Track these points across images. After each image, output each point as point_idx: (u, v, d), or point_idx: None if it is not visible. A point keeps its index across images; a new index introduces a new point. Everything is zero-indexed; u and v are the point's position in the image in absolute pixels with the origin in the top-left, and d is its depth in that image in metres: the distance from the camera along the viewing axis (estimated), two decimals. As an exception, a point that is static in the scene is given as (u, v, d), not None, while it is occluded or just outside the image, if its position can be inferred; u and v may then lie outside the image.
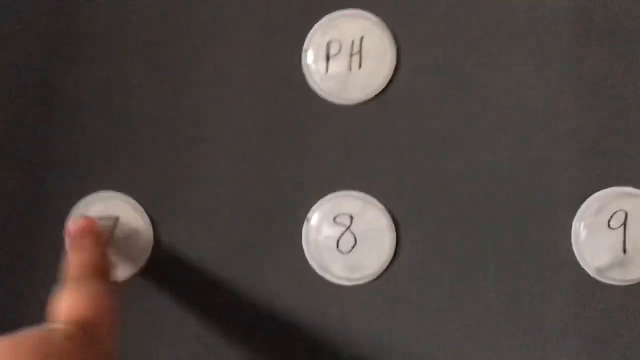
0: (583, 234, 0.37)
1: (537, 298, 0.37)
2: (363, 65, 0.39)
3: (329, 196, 0.39)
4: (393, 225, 0.38)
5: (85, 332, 0.31)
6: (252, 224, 0.39)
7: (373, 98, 0.39)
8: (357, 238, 0.38)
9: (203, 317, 0.39)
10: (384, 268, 0.38)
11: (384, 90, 0.39)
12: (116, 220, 0.40)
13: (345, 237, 0.38)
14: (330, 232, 0.38)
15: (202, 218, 0.39)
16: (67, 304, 0.33)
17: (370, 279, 0.38)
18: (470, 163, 0.38)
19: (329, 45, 0.39)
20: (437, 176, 0.38)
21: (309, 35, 0.39)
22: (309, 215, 0.39)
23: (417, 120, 0.39)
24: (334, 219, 0.39)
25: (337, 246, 0.38)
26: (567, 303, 0.37)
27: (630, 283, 0.37)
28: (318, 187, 0.39)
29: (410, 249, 0.38)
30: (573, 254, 0.37)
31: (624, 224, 0.37)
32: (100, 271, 0.35)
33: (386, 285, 0.38)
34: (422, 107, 0.39)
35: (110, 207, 0.40)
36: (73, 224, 0.37)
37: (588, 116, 0.37)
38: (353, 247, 0.38)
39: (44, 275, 0.37)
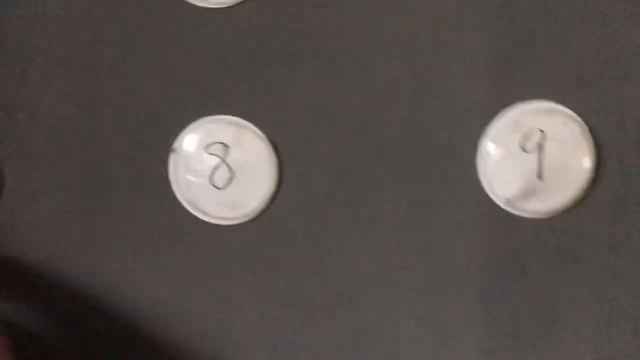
0: (492, 158, 0.31)
1: (438, 232, 0.32)
2: (234, -43, 0.32)
3: (198, 121, 0.33)
4: (274, 155, 0.33)
5: None
6: (111, 160, 0.33)
7: None
8: (233, 171, 0.33)
9: (59, 268, 0.34)
10: (266, 204, 0.33)
11: (257, -10, 0.32)
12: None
13: (220, 170, 0.33)
14: (202, 164, 0.33)
15: (50, 154, 0.33)
16: None
17: (250, 217, 0.33)
18: (363, 79, 0.32)
19: None
20: (325, 95, 0.32)
21: None
22: (175, 145, 0.33)
23: (302, 27, 0.32)
24: (206, 148, 0.33)
25: (211, 181, 0.33)
26: (472, 237, 0.32)
27: (545, 215, 0.32)
28: (184, 111, 0.33)
29: (294, 182, 0.33)
30: (479, 182, 0.32)
31: (540, 146, 0.31)
32: None
33: (268, 224, 0.33)
34: (307, 10, 0.32)
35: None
36: None
37: (499, 21, 0.31)
38: (229, 182, 0.33)
39: None
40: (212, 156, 0.33)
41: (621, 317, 0.32)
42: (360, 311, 0.33)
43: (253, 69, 0.32)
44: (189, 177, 0.33)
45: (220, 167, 0.33)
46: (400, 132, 0.32)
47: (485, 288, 0.32)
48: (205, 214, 0.33)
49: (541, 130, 0.31)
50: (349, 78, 0.32)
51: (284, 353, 0.34)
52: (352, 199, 0.32)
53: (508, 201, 0.31)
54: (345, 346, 0.33)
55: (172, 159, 0.33)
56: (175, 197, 0.33)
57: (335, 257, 0.33)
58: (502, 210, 0.32)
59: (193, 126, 0.32)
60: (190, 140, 0.33)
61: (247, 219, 0.33)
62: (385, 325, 0.33)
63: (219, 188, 0.33)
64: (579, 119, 0.31)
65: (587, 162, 0.31)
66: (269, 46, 0.32)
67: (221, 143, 0.32)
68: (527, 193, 0.31)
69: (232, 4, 0.32)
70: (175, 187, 0.33)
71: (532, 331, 0.33)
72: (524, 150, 0.31)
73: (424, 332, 0.33)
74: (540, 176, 0.31)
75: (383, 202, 0.32)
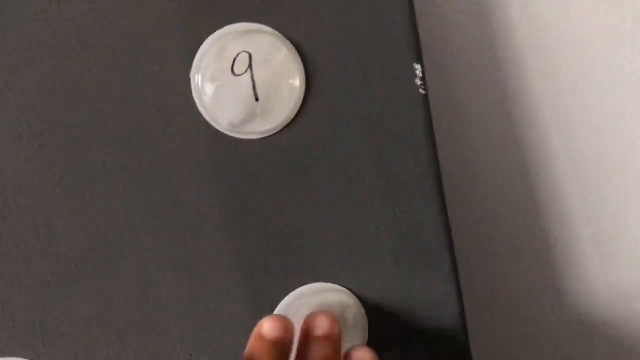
0: (206, 87, 0.31)
1: (171, 175, 0.32)
2: None
3: None
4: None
5: None
6: None
7: None
8: None
9: None
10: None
11: None
12: None
13: None
14: None
15: None
16: None
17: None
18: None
19: None
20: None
21: None
22: None
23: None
24: None
25: None
26: (206, 170, 0.32)
27: (268, 133, 0.33)
28: None
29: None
30: (198, 111, 0.32)
31: (250, 67, 0.32)
32: None
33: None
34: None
35: None
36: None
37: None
38: None
39: None
40: None
41: (363, 216, 0.34)
42: (113, 267, 0.31)
43: None
44: None
45: None
46: (119, 77, 0.31)
47: (229, 215, 0.32)
48: None
49: (248, 52, 0.32)
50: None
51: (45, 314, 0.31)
52: (78, 162, 0.31)
53: (232, 126, 0.32)
54: (103, 300, 0.32)
55: None
56: None
57: (81, 218, 0.31)
58: (228, 136, 0.32)
59: None
60: None
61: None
62: (140, 278, 0.32)
63: None
64: (284, 38, 0.32)
65: (297, 80, 0.32)
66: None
67: None
68: (248, 115, 0.32)
69: None
70: None
71: (285, 246, 0.33)
72: (235, 74, 0.31)
73: (178, 277, 0.32)
74: (256, 97, 0.32)
75: (110, 160, 0.31)
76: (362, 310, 0.35)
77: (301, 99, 0.33)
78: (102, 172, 0.31)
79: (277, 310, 0.33)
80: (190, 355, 0.32)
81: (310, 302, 0.34)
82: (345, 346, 0.34)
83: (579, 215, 0.45)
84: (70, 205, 0.31)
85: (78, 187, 0.31)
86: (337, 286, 0.34)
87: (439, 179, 0.35)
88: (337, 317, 0.32)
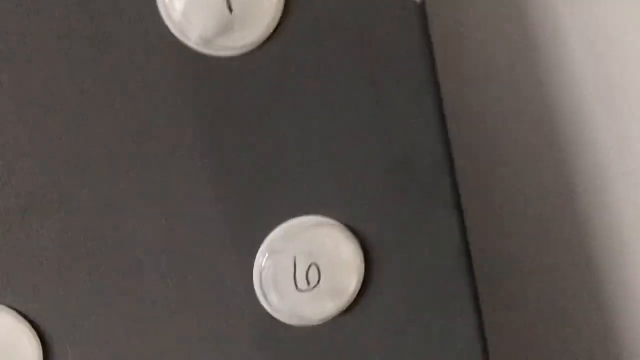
0: (174, 1, 0.28)
1: (137, 94, 0.28)
2: None
3: None
4: None
5: None
6: None
7: None
8: None
9: None
10: None
11: None
12: None
13: None
14: None
15: None
16: None
17: None
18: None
19: None
20: None
21: None
22: None
23: None
24: None
25: None
26: (174, 92, 0.28)
27: (246, 49, 0.29)
28: None
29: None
30: (166, 27, 0.28)
31: (222, -25, 0.28)
32: None
33: None
34: None
35: None
36: None
37: None
38: None
39: None
40: None
41: (354, 142, 0.31)
42: (77, 203, 0.28)
43: None
44: None
45: None
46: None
47: (204, 144, 0.29)
48: None
49: (219, -43, 0.28)
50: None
51: None
52: (35, 90, 0.27)
53: (203, 41, 0.28)
54: (65, 239, 0.28)
55: None
56: None
57: (39, 151, 0.28)
58: (202, 54, 0.28)
59: None
60: None
61: None
62: (107, 211, 0.29)
63: None
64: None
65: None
66: None
67: None
68: (222, 28, 0.28)
69: None
70: None
71: (269, 177, 0.30)
72: (205, -18, 0.28)
73: (150, 211, 0.29)
74: (230, 8, 0.28)
75: (70, 88, 0.27)
76: (358, 246, 0.32)
77: (281, 10, 0.29)
78: (60, 100, 0.27)
79: (263, 247, 0.30)
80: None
81: (301, 238, 0.31)
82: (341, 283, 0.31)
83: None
84: (28, 135, 0.27)
85: (35, 116, 0.27)
86: (328, 219, 0.31)
87: (438, 97, 0.31)
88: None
